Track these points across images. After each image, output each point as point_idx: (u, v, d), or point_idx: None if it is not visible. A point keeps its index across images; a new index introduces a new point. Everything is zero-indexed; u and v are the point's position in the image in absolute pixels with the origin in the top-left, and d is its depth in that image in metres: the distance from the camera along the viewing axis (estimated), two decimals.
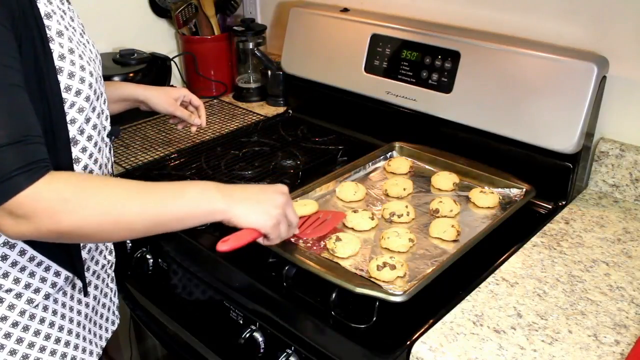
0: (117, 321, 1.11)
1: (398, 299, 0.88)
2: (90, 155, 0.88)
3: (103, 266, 1.04)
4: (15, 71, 0.72)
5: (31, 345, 0.87)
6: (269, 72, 1.73)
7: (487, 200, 1.17)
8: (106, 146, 0.96)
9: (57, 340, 0.91)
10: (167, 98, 1.23)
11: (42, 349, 0.89)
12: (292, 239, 1.01)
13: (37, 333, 0.88)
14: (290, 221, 0.89)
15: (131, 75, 1.61)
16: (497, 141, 1.25)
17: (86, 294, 0.92)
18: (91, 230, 0.74)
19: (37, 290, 0.87)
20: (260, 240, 0.88)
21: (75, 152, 0.86)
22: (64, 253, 0.86)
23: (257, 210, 0.84)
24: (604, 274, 0.99)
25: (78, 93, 0.82)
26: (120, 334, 1.62)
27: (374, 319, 0.90)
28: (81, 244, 0.93)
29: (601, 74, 1.13)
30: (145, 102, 1.21)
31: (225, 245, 0.83)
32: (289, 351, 0.99)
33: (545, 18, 1.26)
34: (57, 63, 0.80)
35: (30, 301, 0.87)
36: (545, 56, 1.17)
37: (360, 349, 0.87)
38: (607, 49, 1.18)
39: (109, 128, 0.97)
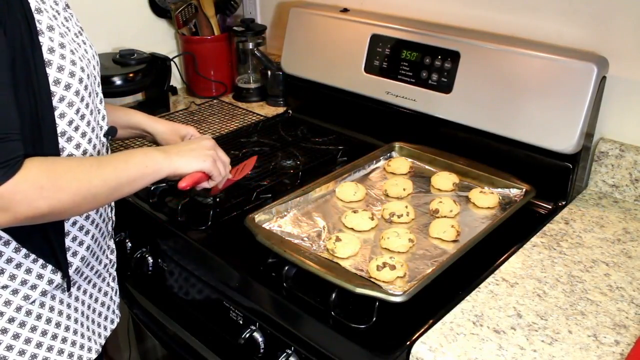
0: (116, 320, 1.11)
1: (398, 299, 0.88)
2: (84, 152, 0.89)
3: (105, 265, 1.04)
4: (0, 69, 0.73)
5: (28, 341, 0.88)
6: (269, 72, 1.73)
7: (487, 201, 1.17)
8: (103, 146, 0.96)
9: (54, 337, 0.91)
10: (173, 136, 1.17)
11: (39, 345, 0.89)
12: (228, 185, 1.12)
13: (34, 329, 0.88)
14: (223, 161, 1.03)
15: (131, 75, 1.61)
16: (497, 141, 1.25)
17: (69, 289, 0.93)
18: (64, 208, 0.79)
19: (33, 287, 0.87)
20: (206, 184, 1.01)
21: (69, 148, 0.86)
22: (47, 246, 0.87)
23: (193, 156, 0.97)
24: (604, 274, 0.99)
25: (67, 87, 0.83)
26: (120, 334, 1.62)
27: (374, 319, 0.90)
28: (79, 243, 0.93)
29: (601, 74, 1.13)
30: (151, 135, 1.18)
31: (184, 182, 0.96)
32: (289, 351, 0.99)
33: (545, 18, 1.26)
34: (46, 56, 0.80)
35: (26, 298, 0.87)
36: (545, 56, 1.17)
37: (360, 349, 0.87)
38: (607, 49, 1.19)
39: (105, 127, 0.98)
